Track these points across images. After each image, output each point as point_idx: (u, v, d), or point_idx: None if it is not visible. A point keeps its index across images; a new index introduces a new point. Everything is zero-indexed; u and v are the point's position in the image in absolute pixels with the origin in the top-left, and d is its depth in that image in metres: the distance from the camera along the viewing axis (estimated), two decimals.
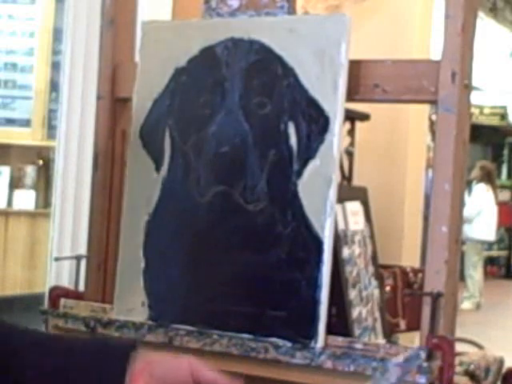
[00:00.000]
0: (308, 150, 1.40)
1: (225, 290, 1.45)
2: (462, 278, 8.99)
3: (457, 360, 1.45)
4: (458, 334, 1.42)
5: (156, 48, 1.57)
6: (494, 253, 14.38)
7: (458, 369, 1.48)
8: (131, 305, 1.53)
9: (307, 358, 1.36)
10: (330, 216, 1.37)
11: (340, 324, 1.69)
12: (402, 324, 2.51)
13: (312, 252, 1.38)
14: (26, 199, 4.67)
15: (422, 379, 1.28)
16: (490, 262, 14.37)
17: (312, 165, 1.40)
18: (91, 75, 2.24)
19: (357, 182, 2.67)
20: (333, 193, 1.38)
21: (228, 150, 1.45)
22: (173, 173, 1.51)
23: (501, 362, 1.65)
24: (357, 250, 1.78)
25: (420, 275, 2.54)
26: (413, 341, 2.66)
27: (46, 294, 1.82)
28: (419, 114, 3.33)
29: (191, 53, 1.52)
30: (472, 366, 1.58)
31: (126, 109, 1.68)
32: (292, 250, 1.40)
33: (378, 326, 1.83)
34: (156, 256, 1.51)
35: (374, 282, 1.84)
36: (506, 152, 15.64)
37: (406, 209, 3.23)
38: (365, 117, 2.74)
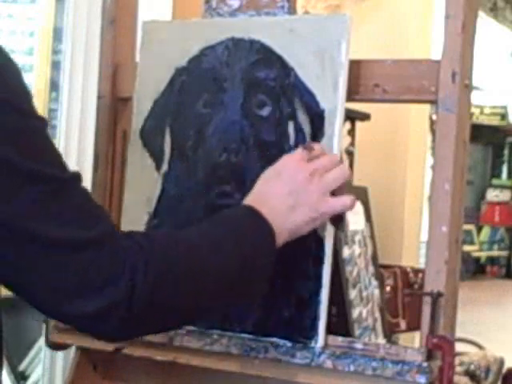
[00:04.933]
0: None
1: None
2: (463, 277, 8.99)
3: (457, 360, 1.45)
4: (458, 334, 1.42)
5: (156, 48, 1.57)
6: (494, 253, 14.39)
7: (458, 369, 1.48)
8: None
9: (307, 358, 1.36)
10: None
11: (340, 324, 1.69)
12: (403, 324, 2.51)
13: (312, 252, 1.38)
14: None
15: (422, 379, 1.28)
16: (490, 261, 14.38)
17: None
18: (91, 75, 2.23)
19: (357, 182, 2.67)
20: None
21: (228, 149, 1.45)
22: (173, 172, 1.51)
23: (501, 362, 1.65)
24: (357, 249, 1.78)
25: (420, 275, 2.53)
26: (413, 341, 2.67)
27: None
28: (420, 113, 3.33)
29: (191, 53, 1.52)
30: (472, 366, 1.58)
31: (126, 109, 1.68)
32: (292, 250, 1.40)
33: (379, 326, 1.83)
34: None
35: (375, 282, 1.84)
36: (506, 152, 15.66)
37: (406, 209, 3.23)
38: (365, 117, 2.74)
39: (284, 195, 1.24)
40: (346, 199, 1.28)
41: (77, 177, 1.03)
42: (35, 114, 1.01)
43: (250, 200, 1.26)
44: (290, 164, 1.28)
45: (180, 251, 1.08)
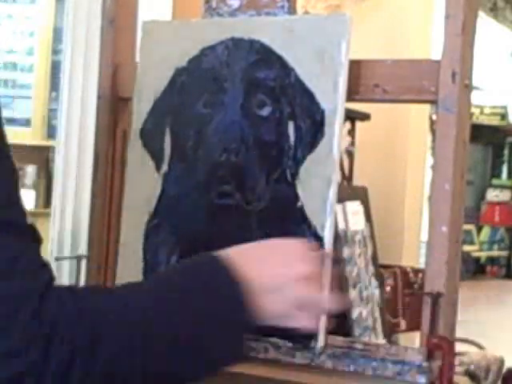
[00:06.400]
0: (308, 150, 1.40)
1: None
2: (463, 277, 8.98)
3: (457, 360, 1.45)
4: (458, 334, 1.42)
5: (156, 48, 1.57)
6: (495, 253, 14.38)
7: (458, 369, 1.48)
8: None
9: (307, 358, 1.36)
10: (330, 216, 1.37)
11: (340, 324, 1.69)
12: (403, 324, 2.50)
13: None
14: (26, 199, 4.68)
15: (422, 379, 1.29)
16: (490, 261, 14.37)
17: (312, 164, 1.40)
18: (91, 75, 2.23)
19: (357, 182, 2.66)
20: (333, 193, 1.38)
21: (228, 150, 1.45)
22: (173, 172, 1.51)
23: (501, 362, 1.65)
24: (357, 249, 1.78)
25: (420, 275, 2.53)
26: (413, 341, 2.66)
27: None
28: (420, 113, 3.32)
29: (191, 53, 1.52)
30: (472, 366, 1.58)
31: (126, 109, 1.69)
32: None
33: (379, 326, 1.83)
34: (156, 256, 1.51)
35: (375, 282, 1.84)
36: (506, 152, 15.65)
37: (406, 209, 3.22)
38: (365, 117, 2.73)
39: (277, 279, 1.08)
40: (309, 322, 1.13)
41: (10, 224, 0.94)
42: None
43: (241, 264, 1.06)
44: (294, 251, 1.13)
45: (113, 323, 0.94)
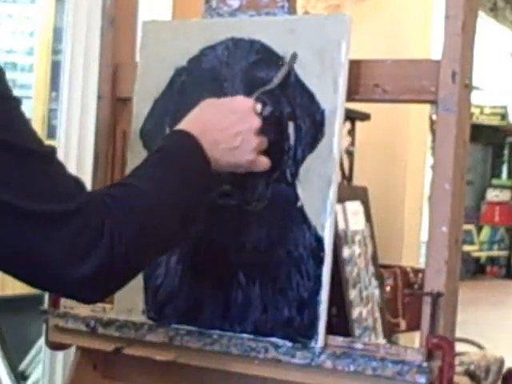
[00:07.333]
0: (308, 150, 1.40)
1: (225, 289, 1.45)
2: (463, 277, 8.97)
3: (457, 360, 1.45)
4: (458, 334, 1.42)
5: (156, 48, 1.57)
6: (495, 253, 14.39)
7: (458, 369, 1.48)
8: (131, 305, 1.53)
9: (307, 358, 1.36)
10: (330, 216, 1.37)
11: (340, 324, 1.69)
12: (403, 324, 2.50)
13: (312, 252, 1.38)
14: None
15: (422, 379, 1.28)
16: (490, 261, 14.38)
17: (312, 164, 1.40)
18: (91, 75, 2.23)
19: (357, 181, 2.66)
20: (333, 193, 1.38)
21: None
22: None
23: (501, 362, 1.65)
24: (357, 249, 1.78)
25: (420, 275, 2.53)
26: (413, 341, 2.66)
27: (46, 294, 1.82)
28: (420, 113, 3.32)
29: (191, 53, 1.52)
30: (472, 366, 1.58)
31: (126, 109, 1.69)
32: (292, 250, 1.40)
33: (379, 326, 1.83)
34: None
35: (375, 282, 1.84)
36: (506, 152, 15.66)
37: (406, 209, 3.22)
38: (365, 117, 2.73)
39: (232, 135, 1.32)
40: (267, 162, 1.39)
41: (52, 151, 1.09)
42: (9, 95, 1.06)
43: (194, 127, 1.30)
44: (245, 108, 1.35)
45: (140, 204, 1.15)
